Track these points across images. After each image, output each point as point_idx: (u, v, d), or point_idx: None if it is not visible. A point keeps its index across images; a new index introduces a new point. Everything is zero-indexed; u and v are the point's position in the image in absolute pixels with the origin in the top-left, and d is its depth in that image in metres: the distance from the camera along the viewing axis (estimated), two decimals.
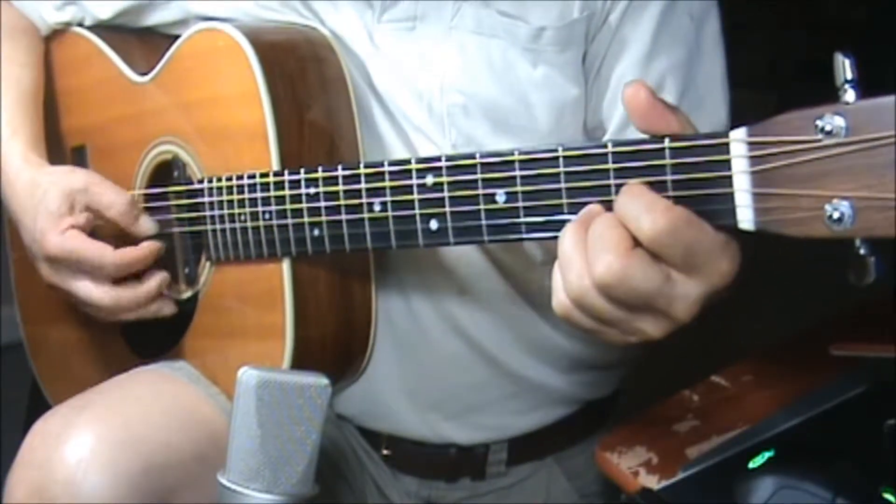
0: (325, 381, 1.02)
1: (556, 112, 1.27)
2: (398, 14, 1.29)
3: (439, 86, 1.27)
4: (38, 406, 1.41)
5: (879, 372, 1.26)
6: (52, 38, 1.55)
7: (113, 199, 1.32)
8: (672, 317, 0.87)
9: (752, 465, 1.18)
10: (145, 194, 1.40)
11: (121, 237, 1.33)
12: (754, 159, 0.82)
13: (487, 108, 1.27)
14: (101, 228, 1.35)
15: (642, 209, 0.84)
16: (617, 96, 1.26)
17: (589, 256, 0.86)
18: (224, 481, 1.01)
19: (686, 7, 1.26)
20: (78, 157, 1.51)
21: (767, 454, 1.18)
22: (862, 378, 1.27)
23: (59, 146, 1.52)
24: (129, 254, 1.30)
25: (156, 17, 1.47)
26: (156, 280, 1.33)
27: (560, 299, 0.90)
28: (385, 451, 1.46)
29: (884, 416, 1.16)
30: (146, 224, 1.34)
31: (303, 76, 1.26)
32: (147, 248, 1.32)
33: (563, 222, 0.91)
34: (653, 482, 1.22)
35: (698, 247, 0.84)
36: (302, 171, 1.16)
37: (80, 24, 1.52)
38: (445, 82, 1.27)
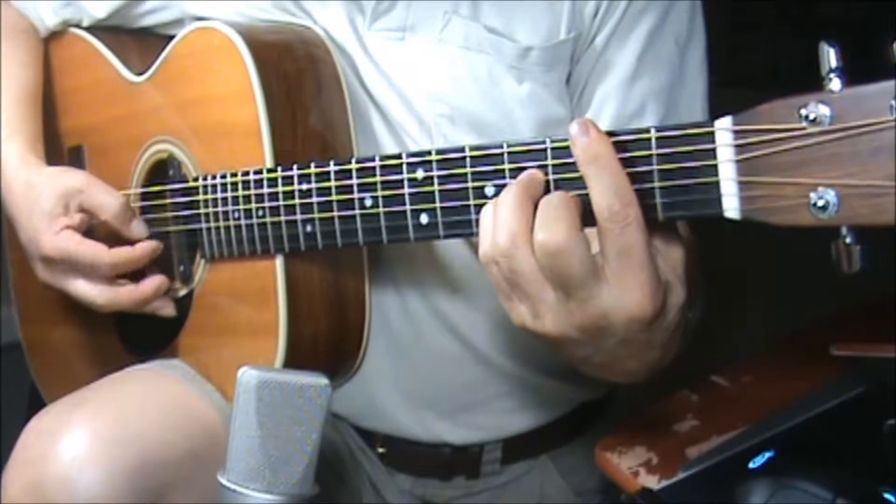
0: (325, 381, 1.01)
1: (541, 129, 1.28)
2: (389, 24, 1.30)
3: (426, 96, 1.28)
4: (38, 406, 1.41)
5: (879, 372, 1.25)
6: (50, 39, 1.56)
7: (106, 202, 1.32)
8: (578, 314, 0.88)
9: (752, 465, 1.18)
10: (141, 193, 1.41)
11: (116, 237, 1.34)
12: (739, 148, 0.82)
13: (473, 121, 1.28)
14: (97, 228, 1.36)
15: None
16: (597, 117, 1.27)
17: (537, 222, 0.88)
18: (224, 481, 1.00)
19: (672, 32, 1.27)
20: (75, 157, 1.52)
21: (767, 454, 1.18)
22: (862, 378, 1.27)
23: (56, 146, 1.52)
24: (125, 253, 1.30)
25: (151, 18, 1.48)
26: (152, 284, 1.33)
27: (485, 249, 0.92)
28: (380, 450, 1.46)
29: (884, 416, 1.16)
30: (138, 228, 1.34)
31: (297, 75, 1.27)
32: (142, 248, 1.32)
33: None
34: (653, 482, 1.22)
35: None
36: (294, 166, 1.16)
37: (78, 25, 1.53)
38: (432, 93, 1.28)
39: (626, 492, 1.24)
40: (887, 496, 1.09)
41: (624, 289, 0.86)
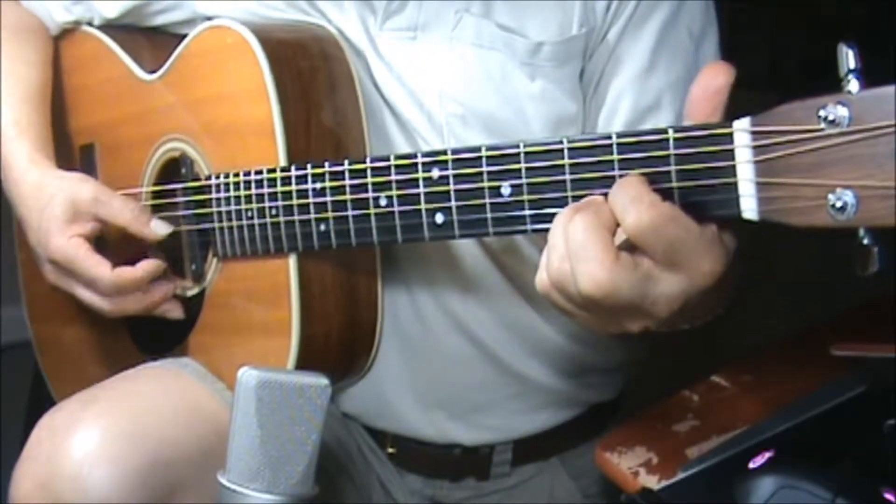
0: (324, 381, 1.02)
1: (553, 126, 1.28)
2: (400, 23, 1.30)
3: (438, 95, 1.28)
4: (38, 406, 1.41)
5: (879, 372, 1.25)
6: (62, 37, 1.56)
7: (121, 209, 1.32)
8: (653, 315, 0.89)
9: (752, 465, 1.18)
10: (153, 192, 1.41)
11: (126, 246, 1.34)
12: (758, 149, 0.83)
13: (485, 119, 1.28)
14: (108, 238, 1.36)
15: (628, 201, 0.85)
16: (613, 112, 1.27)
17: (573, 265, 0.86)
18: (224, 481, 1.00)
19: (686, 24, 1.27)
20: (87, 156, 1.52)
21: (767, 454, 1.18)
22: (862, 378, 1.26)
23: (68, 145, 1.52)
24: (126, 275, 1.30)
25: (163, 18, 1.48)
26: (160, 292, 1.34)
27: (542, 277, 0.91)
28: (390, 450, 1.46)
29: (884, 416, 1.16)
30: (158, 227, 1.34)
31: (311, 73, 1.27)
32: (143, 269, 1.31)
33: None
34: (653, 482, 1.22)
35: (680, 244, 0.85)
36: (308, 166, 1.17)
37: (89, 24, 1.53)
38: (444, 92, 1.28)
39: (626, 492, 1.25)
40: (887, 496, 1.09)
41: (687, 272, 0.86)
